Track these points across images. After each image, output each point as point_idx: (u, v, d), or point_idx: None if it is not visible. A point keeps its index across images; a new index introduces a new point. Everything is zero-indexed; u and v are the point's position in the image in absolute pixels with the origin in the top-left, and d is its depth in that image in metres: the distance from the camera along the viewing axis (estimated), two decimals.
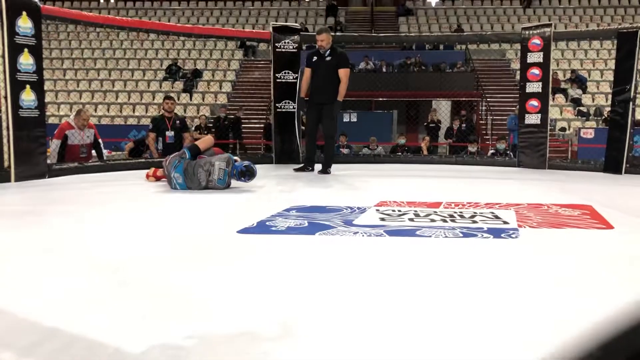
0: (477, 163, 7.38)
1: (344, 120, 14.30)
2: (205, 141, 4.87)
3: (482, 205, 3.73)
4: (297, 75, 7.07)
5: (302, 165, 6.20)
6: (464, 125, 12.67)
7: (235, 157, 4.65)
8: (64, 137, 6.52)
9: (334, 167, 6.13)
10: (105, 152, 7.55)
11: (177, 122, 7.25)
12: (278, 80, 7.10)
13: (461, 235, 2.77)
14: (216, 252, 2.47)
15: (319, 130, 6.10)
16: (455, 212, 3.44)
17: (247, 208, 3.78)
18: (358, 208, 3.61)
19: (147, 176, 5.17)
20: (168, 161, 4.59)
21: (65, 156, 6.52)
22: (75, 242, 2.66)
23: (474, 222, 3.14)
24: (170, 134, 7.12)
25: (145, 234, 2.87)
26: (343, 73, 5.71)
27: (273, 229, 2.93)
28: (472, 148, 10.20)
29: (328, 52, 5.77)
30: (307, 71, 5.94)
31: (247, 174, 4.46)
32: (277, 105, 7.12)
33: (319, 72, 5.83)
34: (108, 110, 16.37)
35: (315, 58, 5.85)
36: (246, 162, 4.53)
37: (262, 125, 14.43)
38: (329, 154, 5.99)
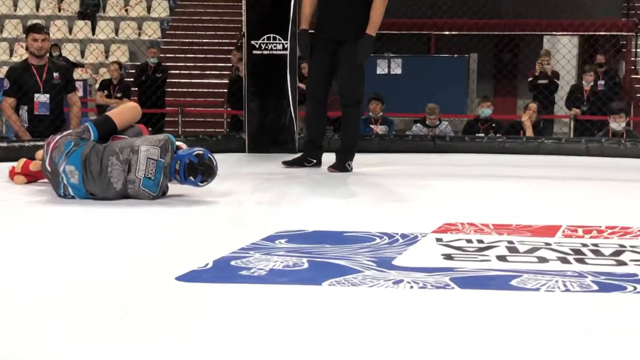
0: (627, 153, 7.34)
1: (379, 72, 14.31)
2: (125, 111, 4.88)
3: (635, 233, 3.71)
4: None
5: (299, 155, 6.25)
6: (602, 82, 12.58)
7: (178, 142, 4.67)
8: None
9: (358, 159, 6.13)
10: None
11: (55, 74, 7.27)
12: None
13: (596, 287, 2.75)
14: (133, 315, 2.46)
15: (331, 91, 6.06)
16: (585, 245, 3.41)
17: (197, 234, 3.76)
18: (403, 236, 3.59)
19: (12, 174, 5.20)
20: (53, 144, 4.59)
21: None
22: None
23: (621, 263, 3.11)
24: (42, 98, 7.13)
25: (21, 269, 2.88)
26: None
27: (243, 273, 2.92)
28: (617, 125, 10.16)
29: None
30: None
31: (201, 170, 4.47)
32: (253, 43, 7.13)
33: None
34: None
35: None
36: (198, 149, 4.56)
37: (224, 82, 14.48)
38: (350, 134, 6.01)
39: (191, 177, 4.44)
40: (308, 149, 6.14)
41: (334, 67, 5.89)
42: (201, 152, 4.50)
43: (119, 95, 12.36)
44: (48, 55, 7.37)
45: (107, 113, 4.91)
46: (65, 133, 4.67)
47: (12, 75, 7.24)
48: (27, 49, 7.31)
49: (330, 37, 5.87)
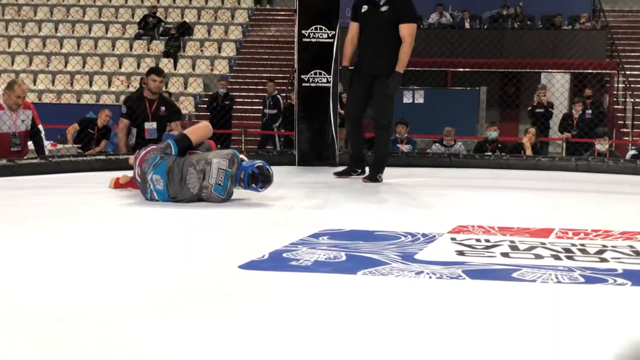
0: (610, 170, 7.25)
1: (405, 101, 14.28)
2: (199, 130, 4.88)
3: (615, 235, 3.66)
4: (334, 32, 7.09)
5: (346, 167, 6.23)
6: (589, 111, 12.44)
7: (241, 155, 4.69)
8: None
9: (387, 172, 6.11)
10: (47, 143, 7.69)
11: (162, 108, 7.35)
12: (306, 39, 7.13)
13: (582, 280, 2.73)
14: (204, 298, 2.47)
15: (365, 115, 6.06)
16: (574, 245, 3.39)
17: (256, 231, 3.78)
18: (423, 235, 3.58)
19: (117, 184, 5.20)
20: (142, 157, 4.62)
21: None
22: None
23: (603, 260, 3.09)
24: (150, 125, 7.24)
25: (100, 268, 2.90)
26: (406, 30, 5.72)
27: (293, 263, 2.93)
28: (601, 146, 10.04)
29: None
30: (354, 27, 5.95)
31: (261, 179, 4.50)
32: (302, 77, 7.15)
33: (369, 30, 5.83)
34: (53, 82, 16.73)
35: (365, 8, 5.86)
36: (258, 162, 4.58)
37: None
38: (381, 151, 6.00)
39: (253, 185, 4.48)
40: (353, 161, 6.11)
41: (369, 96, 5.88)
42: (261, 164, 4.52)
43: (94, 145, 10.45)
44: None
45: (185, 131, 4.93)
46: (150, 148, 4.70)
47: (128, 103, 7.34)
48: (143, 83, 7.36)
49: (366, 72, 5.85)
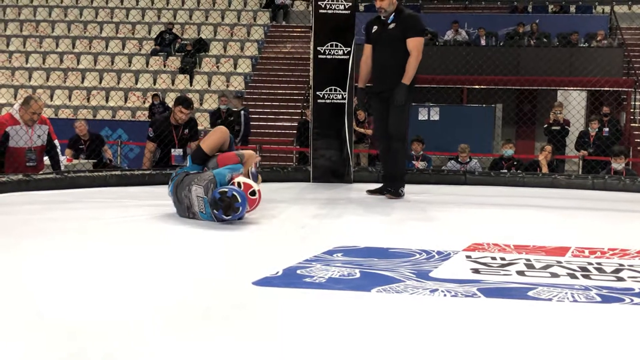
0: (627, 188, 7.21)
1: (420, 118, 14.28)
2: (211, 138, 4.82)
3: (632, 254, 3.64)
4: (349, 49, 7.11)
5: (380, 186, 6.09)
6: (606, 129, 12.38)
7: (245, 179, 4.50)
8: (3, 136, 6.73)
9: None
10: (63, 158, 7.73)
11: (186, 130, 7.41)
12: (321, 56, 7.15)
13: (599, 299, 2.72)
14: (217, 314, 2.47)
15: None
16: (590, 264, 3.38)
17: (270, 248, 3.78)
18: (438, 253, 3.57)
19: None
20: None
21: (4, 164, 6.72)
22: (12, 292, 2.72)
23: (620, 279, 3.07)
24: (177, 152, 7.31)
25: (114, 284, 2.92)
26: (412, 44, 5.77)
27: (307, 280, 2.93)
28: (618, 165, 9.99)
29: (391, 16, 5.86)
30: (367, 49, 6.02)
31: (221, 206, 4.18)
32: (318, 93, 7.17)
33: (379, 48, 5.87)
34: (69, 98, 16.86)
35: (375, 28, 5.98)
36: (226, 187, 4.24)
37: (294, 125, 14.56)
38: (398, 165, 6.00)
39: (214, 211, 4.23)
40: (386, 180, 6.07)
41: (386, 112, 5.89)
42: (225, 189, 4.23)
43: (83, 158, 9.95)
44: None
45: (200, 142, 4.92)
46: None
47: (154, 127, 7.39)
48: (173, 115, 7.32)
49: (378, 89, 5.91)
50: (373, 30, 5.97)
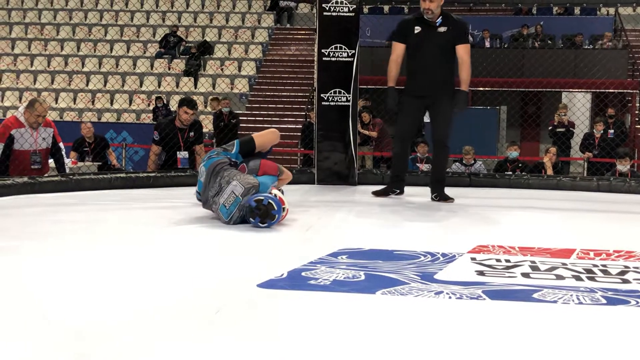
0: (632, 190, 7.20)
1: (425, 120, 14.23)
2: (265, 135, 4.84)
3: (638, 256, 3.63)
4: (354, 51, 7.11)
5: (385, 186, 6.15)
6: (611, 131, 12.38)
7: (275, 191, 4.52)
8: (8, 139, 6.74)
9: (406, 191, 6.10)
10: (68, 161, 7.74)
11: (191, 133, 7.41)
12: (326, 58, 7.16)
13: (604, 301, 2.71)
14: (223, 316, 2.48)
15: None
16: (595, 266, 3.37)
17: (275, 250, 3.78)
18: (443, 255, 3.57)
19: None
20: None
21: (9, 167, 6.74)
22: (19, 294, 2.72)
23: (625, 281, 3.07)
24: (183, 155, 7.30)
25: (119, 285, 2.92)
26: (463, 51, 5.75)
27: (312, 282, 2.93)
28: (622, 167, 9.98)
29: (440, 19, 5.74)
30: (400, 48, 5.85)
31: (257, 214, 4.25)
32: (322, 96, 7.17)
33: (425, 51, 5.74)
34: (74, 100, 16.89)
35: (418, 29, 5.79)
36: (261, 195, 4.28)
37: (298, 127, 14.57)
38: (445, 170, 6.02)
39: (251, 219, 4.27)
40: (394, 182, 6.02)
41: (423, 117, 5.93)
42: (262, 197, 4.26)
43: (89, 160, 10.15)
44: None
45: (253, 135, 4.93)
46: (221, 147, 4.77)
47: (159, 129, 7.38)
48: (177, 117, 7.32)
49: (425, 93, 5.80)
50: (416, 32, 5.79)
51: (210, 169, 4.50)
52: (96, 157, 10.06)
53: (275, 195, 4.37)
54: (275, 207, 4.25)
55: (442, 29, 5.72)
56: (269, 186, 4.47)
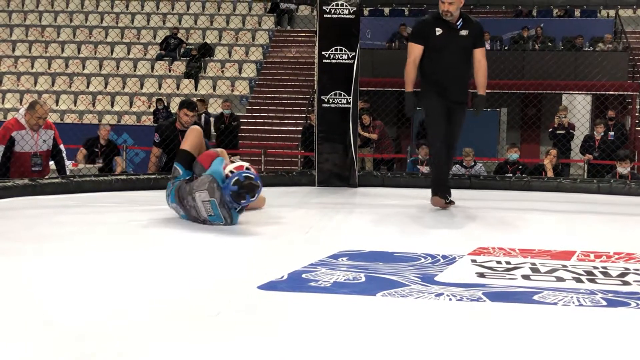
0: (632, 192, 7.20)
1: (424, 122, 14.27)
2: (189, 139, 4.83)
3: (638, 258, 3.64)
4: (354, 53, 7.12)
5: (443, 196, 5.52)
6: (611, 133, 12.37)
7: (228, 162, 4.57)
8: (8, 141, 6.74)
9: (407, 193, 6.11)
10: (68, 163, 7.74)
11: None
12: (326, 60, 7.17)
13: (605, 303, 2.71)
14: (223, 318, 2.48)
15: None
16: (595, 268, 3.37)
17: (275, 252, 3.78)
18: (443, 257, 3.57)
19: None
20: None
21: (10, 169, 6.74)
22: (19, 296, 2.73)
23: (626, 283, 3.07)
24: None
25: (120, 287, 2.92)
26: (481, 54, 5.68)
27: (312, 284, 2.93)
28: (623, 169, 9.98)
29: (460, 22, 5.56)
30: (418, 50, 5.59)
31: (245, 191, 4.24)
32: (323, 98, 7.17)
33: (448, 54, 5.56)
34: (75, 102, 16.90)
35: (440, 31, 5.55)
36: (234, 176, 4.26)
37: (298, 129, 14.57)
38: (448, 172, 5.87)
39: (243, 201, 4.27)
40: (443, 189, 5.54)
41: (451, 121, 5.64)
42: (237, 177, 4.24)
43: (99, 162, 10.38)
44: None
45: (181, 147, 4.94)
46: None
47: (160, 132, 7.38)
48: (178, 118, 7.32)
49: (452, 98, 5.63)
50: (437, 34, 5.54)
51: (177, 201, 4.56)
52: (104, 160, 10.20)
53: (240, 168, 4.36)
54: (252, 175, 4.28)
55: (464, 32, 5.55)
56: (220, 171, 4.39)
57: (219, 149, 4.94)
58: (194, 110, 7.33)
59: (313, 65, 7.28)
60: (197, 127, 5.05)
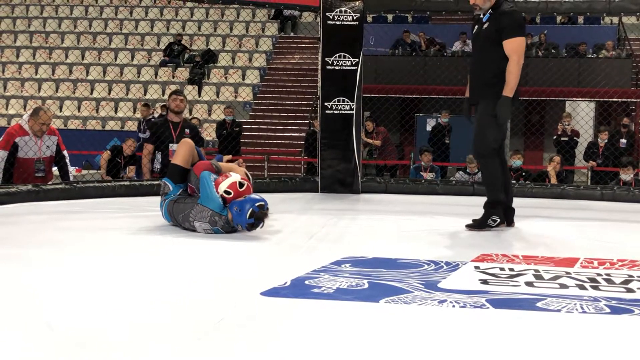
0: (636, 199, 7.20)
1: (428, 128, 14.25)
2: (180, 152, 4.84)
3: None
4: (357, 60, 7.13)
5: (498, 218, 4.97)
6: (623, 140, 12.37)
7: (218, 165, 4.65)
8: (12, 147, 6.75)
9: (410, 200, 6.10)
10: (72, 169, 7.75)
11: (187, 130, 7.42)
12: (329, 67, 7.18)
13: (608, 310, 2.71)
14: (226, 324, 2.47)
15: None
16: (599, 275, 3.37)
17: (278, 258, 3.78)
18: (447, 264, 3.57)
19: None
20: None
21: (13, 174, 6.75)
22: (21, 301, 2.73)
23: (629, 290, 3.07)
24: (175, 147, 7.26)
25: (122, 293, 2.92)
26: (509, 46, 4.83)
27: (315, 291, 2.93)
28: (626, 176, 9.97)
29: (488, 14, 4.97)
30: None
31: (259, 223, 4.31)
32: (326, 104, 7.18)
33: (473, 52, 5.27)
34: (79, 109, 16.93)
35: (475, 28, 5.15)
36: (249, 209, 4.26)
37: (301, 135, 14.58)
38: (487, 186, 5.16)
39: (260, 228, 4.35)
40: (505, 211, 5.05)
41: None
42: (251, 209, 4.26)
43: (123, 174, 10.53)
44: (181, 114, 7.48)
45: (171, 161, 4.96)
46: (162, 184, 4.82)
47: (153, 128, 7.40)
48: (168, 106, 7.42)
49: (470, 100, 5.31)
50: (474, 31, 5.15)
51: (171, 219, 4.62)
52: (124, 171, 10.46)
53: (228, 192, 4.36)
54: (263, 202, 4.32)
55: (486, 25, 4.97)
56: (216, 200, 4.36)
57: (218, 163, 4.92)
58: (180, 94, 7.43)
59: (316, 72, 7.28)
60: (187, 140, 5.07)
